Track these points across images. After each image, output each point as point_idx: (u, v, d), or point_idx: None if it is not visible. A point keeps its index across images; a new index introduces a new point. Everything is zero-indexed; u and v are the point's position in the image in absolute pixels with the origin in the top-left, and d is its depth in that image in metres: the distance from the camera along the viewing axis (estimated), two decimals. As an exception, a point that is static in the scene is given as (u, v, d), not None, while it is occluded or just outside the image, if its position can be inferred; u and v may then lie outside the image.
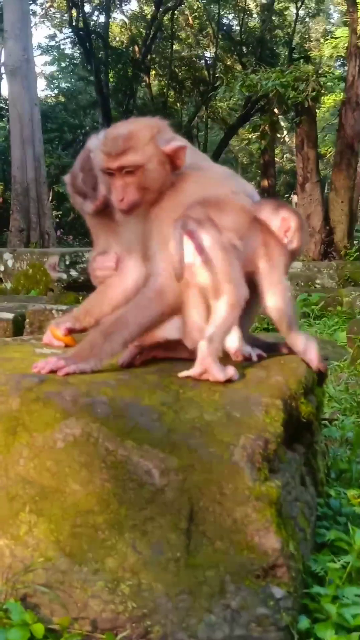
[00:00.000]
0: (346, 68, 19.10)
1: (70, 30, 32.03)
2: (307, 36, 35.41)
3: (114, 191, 2.59)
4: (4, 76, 27.42)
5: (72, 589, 1.97)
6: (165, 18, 31.19)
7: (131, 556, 1.97)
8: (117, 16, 35.63)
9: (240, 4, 31.81)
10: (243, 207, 2.57)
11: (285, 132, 35.57)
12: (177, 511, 2.03)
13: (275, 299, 2.54)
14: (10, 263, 10.68)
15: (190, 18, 33.61)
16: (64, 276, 9.81)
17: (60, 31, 36.31)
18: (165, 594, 1.93)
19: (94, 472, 2.06)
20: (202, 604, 1.93)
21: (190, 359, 2.59)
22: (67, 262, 9.91)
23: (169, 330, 2.74)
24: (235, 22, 33.53)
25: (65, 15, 32.44)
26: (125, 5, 35.33)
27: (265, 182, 29.34)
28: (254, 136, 25.14)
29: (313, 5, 33.29)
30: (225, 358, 2.48)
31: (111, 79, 31.32)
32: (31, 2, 29.65)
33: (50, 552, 2.00)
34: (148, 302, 2.47)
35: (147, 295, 2.49)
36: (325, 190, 20.22)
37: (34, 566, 1.99)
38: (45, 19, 35.64)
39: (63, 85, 40.31)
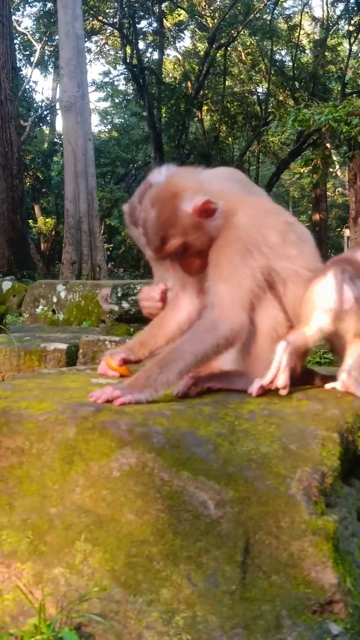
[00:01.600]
0: None
1: (124, 67, 32.58)
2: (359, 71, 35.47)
3: (177, 267, 2.70)
4: (59, 112, 27.95)
5: (126, 619, 1.96)
6: (218, 54, 31.53)
7: (186, 588, 1.96)
8: (171, 53, 36.25)
9: (293, 40, 32.05)
10: None
11: (337, 166, 35.57)
12: (232, 543, 2.01)
13: None
14: (63, 295, 10.79)
15: (243, 54, 33.95)
16: (116, 308, 9.87)
17: (115, 68, 37.06)
18: (220, 627, 1.91)
19: (149, 502, 2.06)
20: (257, 639, 1.90)
21: (245, 390, 2.60)
22: (119, 294, 9.97)
23: (224, 361, 2.74)
24: (287, 58, 33.76)
25: (120, 52, 33.03)
26: (179, 42, 35.82)
27: (316, 216, 29.39)
28: (305, 170, 25.15)
29: (366, 40, 33.38)
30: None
31: (164, 114, 31.70)
32: (87, 40, 30.30)
33: (105, 581, 1.99)
34: (204, 333, 2.48)
35: (203, 326, 2.50)
36: (378, 225, 20.05)
37: (89, 595, 1.98)
38: (100, 56, 36.36)
39: (116, 120, 41.00)
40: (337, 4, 31.23)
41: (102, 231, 24.26)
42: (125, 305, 9.99)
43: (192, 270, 2.67)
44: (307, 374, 2.85)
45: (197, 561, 1.99)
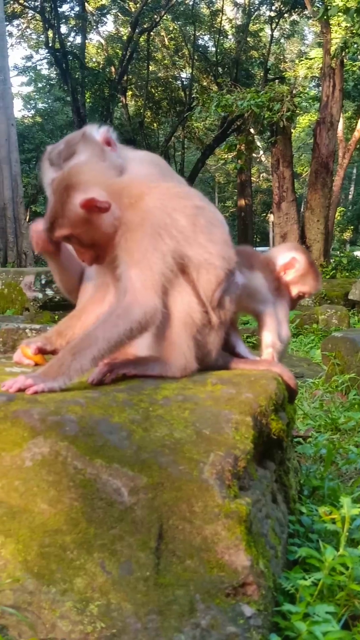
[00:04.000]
0: (320, 88, 19.33)
1: (46, 51, 32.16)
2: (282, 57, 35.83)
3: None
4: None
5: (40, 609, 1.94)
6: (141, 39, 31.42)
7: (100, 576, 1.95)
8: (94, 37, 35.96)
9: (215, 26, 32.11)
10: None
11: (261, 152, 35.87)
12: (146, 530, 2.01)
13: None
14: (-15, 283, 10.63)
15: (166, 39, 33.89)
16: (40, 295, 9.78)
17: (37, 52, 36.49)
18: (134, 613, 1.91)
19: (63, 491, 2.04)
20: (171, 624, 1.91)
21: (160, 376, 2.60)
22: (43, 282, 9.89)
23: (140, 348, 2.74)
24: (210, 44, 33.89)
25: (42, 36, 32.57)
26: (102, 26, 35.73)
27: (242, 202, 29.57)
28: (230, 156, 25.30)
29: (287, 26, 33.71)
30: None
31: (88, 100, 31.45)
32: (7, 23, 29.77)
33: (18, 572, 1.97)
34: (117, 318, 2.46)
35: (116, 312, 2.49)
36: (301, 209, 20.34)
37: (1, 587, 1.96)
38: (22, 40, 35.77)
39: (40, 105, 40.49)
40: (259, -11, 31.41)
41: (27, 218, 23.94)
42: (49, 292, 9.91)
43: (86, 260, 2.67)
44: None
45: (111, 549, 1.98)
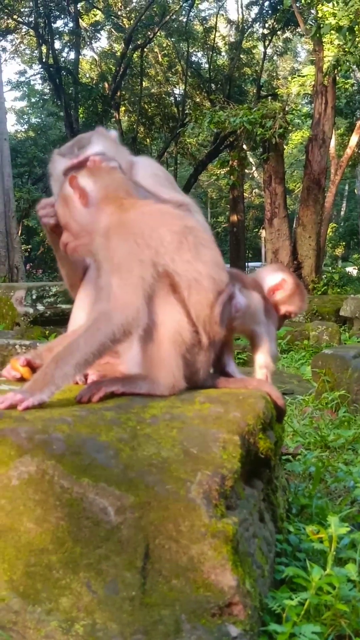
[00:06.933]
0: (313, 105, 19.44)
1: (40, 66, 32.25)
2: (274, 74, 36.04)
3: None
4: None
5: (25, 629, 1.93)
6: (135, 55, 31.55)
7: (86, 595, 1.95)
8: (87, 53, 36.06)
9: (209, 43, 32.29)
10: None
11: (253, 168, 36.01)
12: (132, 549, 2.01)
13: None
14: (-24, 297, 10.61)
15: (159, 55, 34.05)
16: (31, 310, 9.77)
17: (31, 67, 36.59)
18: (119, 633, 1.90)
19: (49, 510, 2.04)
20: (157, 644, 1.90)
21: (149, 394, 2.60)
22: (34, 297, 9.88)
23: (128, 365, 2.74)
24: (204, 60, 34.05)
25: (35, 51, 32.68)
26: (95, 42, 35.82)
27: (234, 217, 29.64)
28: (222, 172, 25.39)
29: (280, 44, 33.90)
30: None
31: (81, 115, 31.53)
32: (1, 38, 29.92)
33: (4, 592, 1.96)
34: (99, 323, 2.47)
35: (97, 317, 2.49)
36: (294, 226, 20.41)
37: (-13, 607, 1.95)
38: (15, 55, 35.88)
39: (33, 120, 40.61)
40: (252, 7, 31.58)
41: (19, 232, 23.97)
42: (40, 307, 9.91)
43: (62, 245, 2.79)
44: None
45: (97, 568, 1.98)
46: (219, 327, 2.67)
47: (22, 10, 30.77)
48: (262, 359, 3.10)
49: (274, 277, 3.19)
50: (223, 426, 2.36)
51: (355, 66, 18.71)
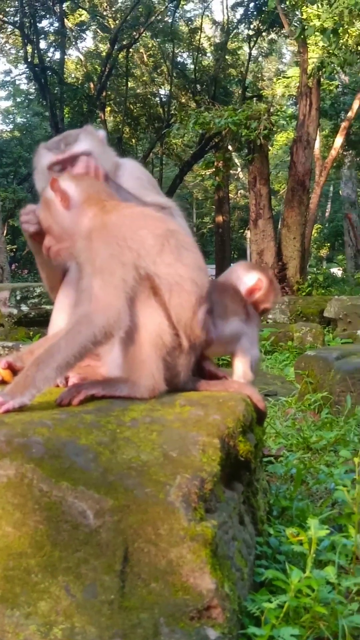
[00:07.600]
0: (297, 107, 19.47)
1: (25, 66, 32.15)
2: (259, 75, 36.09)
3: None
4: None
5: (3, 633, 1.93)
6: (120, 55, 31.50)
7: (64, 599, 1.95)
8: (73, 53, 35.98)
9: (194, 43, 32.30)
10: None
11: (239, 169, 36.04)
12: (111, 553, 2.01)
13: None
14: None
15: (145, 56, 34.03)
16: (15, 311, 9.75)
17: (16, 67, 36.50)
18: (98, 637, 1.90)
19: (28, 514, 2.04)
20: (135, 647, 1.90)
21: (129, 397, 2.60)
22: (18, 297, 9.86)
23: (109, 368, 2.74)
24: (189, 61, 34.04)
25: (21, 51, 32.58)
26: (81, 42, 35.70)
27: (219, 218, 29.66)
28: (208, 172, 25.41)
29: (266, 45, 33.95)
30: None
31: (66, 115, 31.45)
32: (-14, 38, 29.82)
33: (-18, 596, 1.96)
34: (79, 325, 2.47)
35: (78, 320, 2.50)
36: (278, 227, 20.43)
37: (-35, 611, 1.95)
38: (1, 55, 35.78)
39: (18, 120, 40.44)
40: (237, 8, 31.63)
41: (4, 232, 23.91)
42: (24, 308, 9.88)
43: (45, 250, 2.81)
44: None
45: (75, 572, 1.98)
46: (200, 331, 2.67)
47: (7, 9, 30.69)
48: (240, 368, 3.13)
49: (249, 278, 3.21)
50: (203, 429, 2.36)
51: (339, 68, 18.75)
